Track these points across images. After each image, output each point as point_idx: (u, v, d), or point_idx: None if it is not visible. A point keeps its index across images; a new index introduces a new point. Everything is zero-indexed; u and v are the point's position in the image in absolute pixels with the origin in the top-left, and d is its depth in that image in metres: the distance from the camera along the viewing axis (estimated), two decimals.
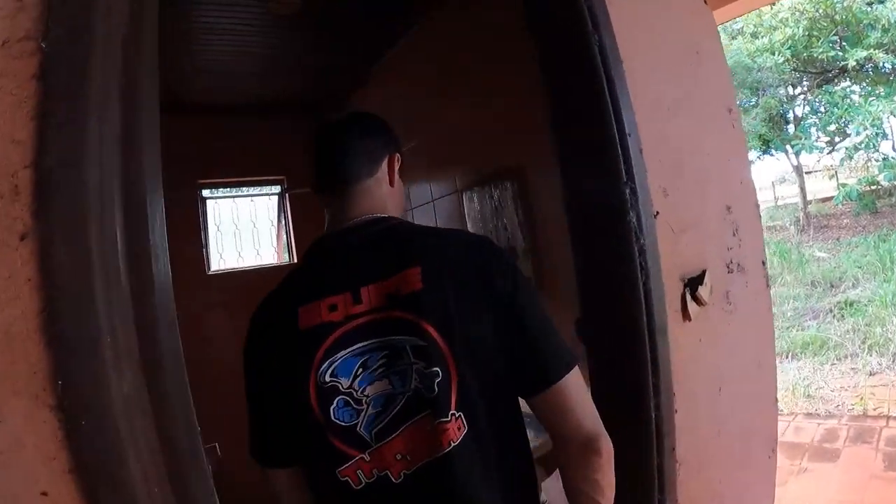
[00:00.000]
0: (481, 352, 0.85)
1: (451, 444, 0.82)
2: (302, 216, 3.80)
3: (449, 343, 0.83)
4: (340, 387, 0.83)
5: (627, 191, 1.23)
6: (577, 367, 0.87)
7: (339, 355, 0.84)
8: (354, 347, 0.84)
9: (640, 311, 1.24)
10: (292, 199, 3.82)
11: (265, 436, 0.93)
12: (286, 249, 3.89)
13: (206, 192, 3.62)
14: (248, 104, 3.60)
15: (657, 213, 1.28)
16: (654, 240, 1.26)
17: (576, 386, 0.86)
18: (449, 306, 0.84)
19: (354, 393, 0.83)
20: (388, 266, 0.87)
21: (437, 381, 0.82)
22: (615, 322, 1.28)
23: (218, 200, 3.71)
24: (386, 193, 1.00)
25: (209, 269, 3.51)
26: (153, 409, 0.63)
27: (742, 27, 9.72)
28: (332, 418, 0.83)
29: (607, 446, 0.86)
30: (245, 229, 3.77)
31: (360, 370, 0.84)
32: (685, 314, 1.30)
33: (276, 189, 3.90)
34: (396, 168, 1.02)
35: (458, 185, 2.80)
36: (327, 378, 0.83)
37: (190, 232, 3.44)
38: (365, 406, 0.83)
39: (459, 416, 0.83)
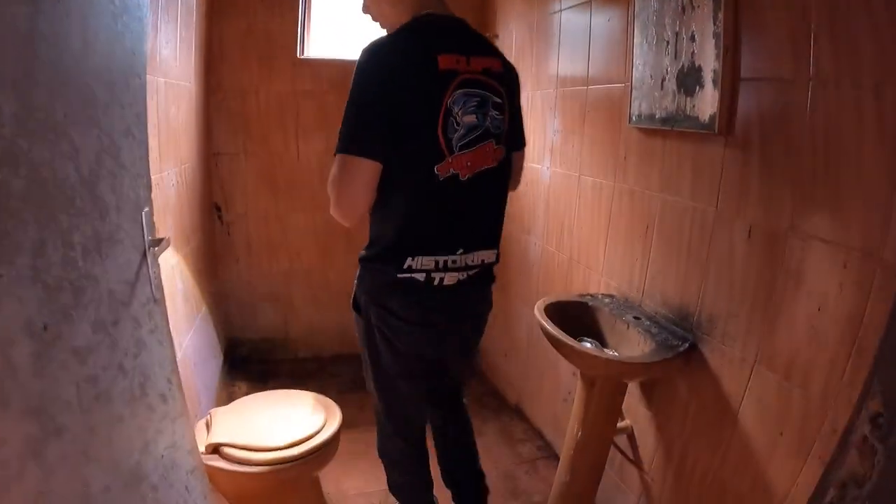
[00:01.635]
0: (510, 118, 1.56)
1: (497, 162, 1.51)
2: None
3: (508, 106, 1.53)
4: (452, 111, 1.38)
5: None
6: None
7: (457, 92, 1.39)
8: (465, 90, 1.40)
9: None
10: None
11: (382, 135, 1.32)
12: None
13: None
14: None
15: None
16: None
17: (525, 154, 1.75)
18: (509, 86, 1.54)
19: (458, 118, 1.39)
20: (480, 49, 1.47)
21: (502, 124, 1.51)
22: None
23: None
24: None
25: (302, 53, 3.00)
26: None
27: None
28: (445, 129, 1.38)
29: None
30: (351, 18, 3.13)
31: (463, 105, 1.39)
32: None
33: None
34: None
35: None
36: (449, 104, 1.38)
37: (286, 9, 2.89)
38: (460, 128, 1.40)
39: (503, 147, 1.54)
